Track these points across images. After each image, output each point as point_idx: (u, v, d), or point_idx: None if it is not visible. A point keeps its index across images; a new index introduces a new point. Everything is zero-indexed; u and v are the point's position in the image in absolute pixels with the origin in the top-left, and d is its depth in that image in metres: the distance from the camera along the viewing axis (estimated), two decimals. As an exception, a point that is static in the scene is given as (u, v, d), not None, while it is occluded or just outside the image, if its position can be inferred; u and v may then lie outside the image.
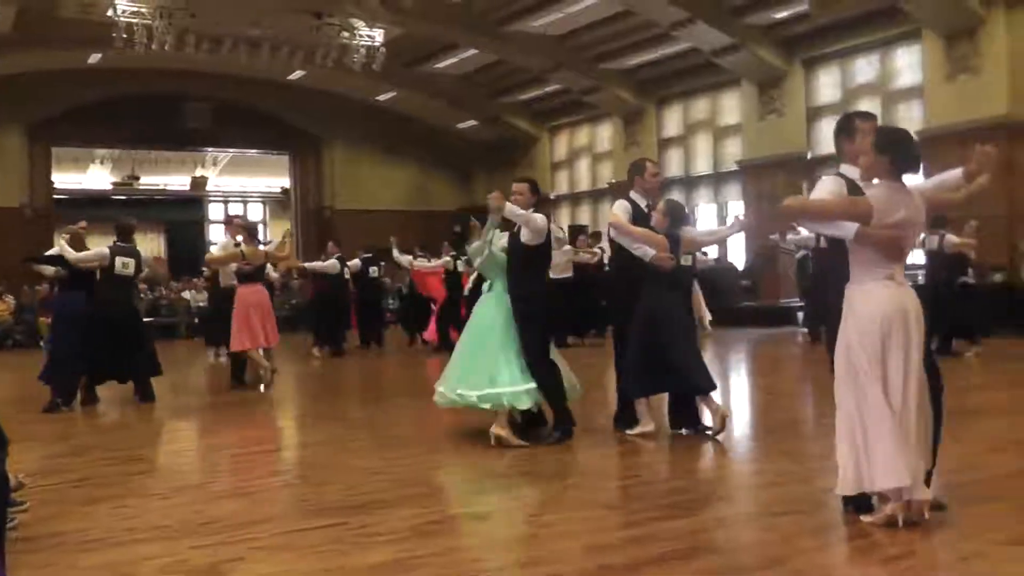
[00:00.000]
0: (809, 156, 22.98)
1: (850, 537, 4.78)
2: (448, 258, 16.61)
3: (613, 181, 28.72)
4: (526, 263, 7.67)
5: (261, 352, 12.03)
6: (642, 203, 7.89)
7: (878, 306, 4.71)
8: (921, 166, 5.11)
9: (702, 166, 26.45)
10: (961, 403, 8.73)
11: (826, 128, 22.79)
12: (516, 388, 7.29)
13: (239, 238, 12.28)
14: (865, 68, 22.20)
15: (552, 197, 31.34)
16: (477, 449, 7.29)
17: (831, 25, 21.57)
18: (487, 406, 7.33)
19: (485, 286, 7.97)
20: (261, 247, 12.53)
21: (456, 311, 15.48)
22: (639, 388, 7.70)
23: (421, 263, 17.54)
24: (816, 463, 6.66)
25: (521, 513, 5.31)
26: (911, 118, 20.71)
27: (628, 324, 7.74)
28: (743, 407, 9.72)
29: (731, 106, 25.52)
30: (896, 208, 4.72)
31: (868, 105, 21.91)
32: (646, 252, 7.47)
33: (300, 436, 8.95)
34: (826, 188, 4.99)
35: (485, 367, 7.37)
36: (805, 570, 4.28)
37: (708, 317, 20.62)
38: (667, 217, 7.63)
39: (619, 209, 7.79)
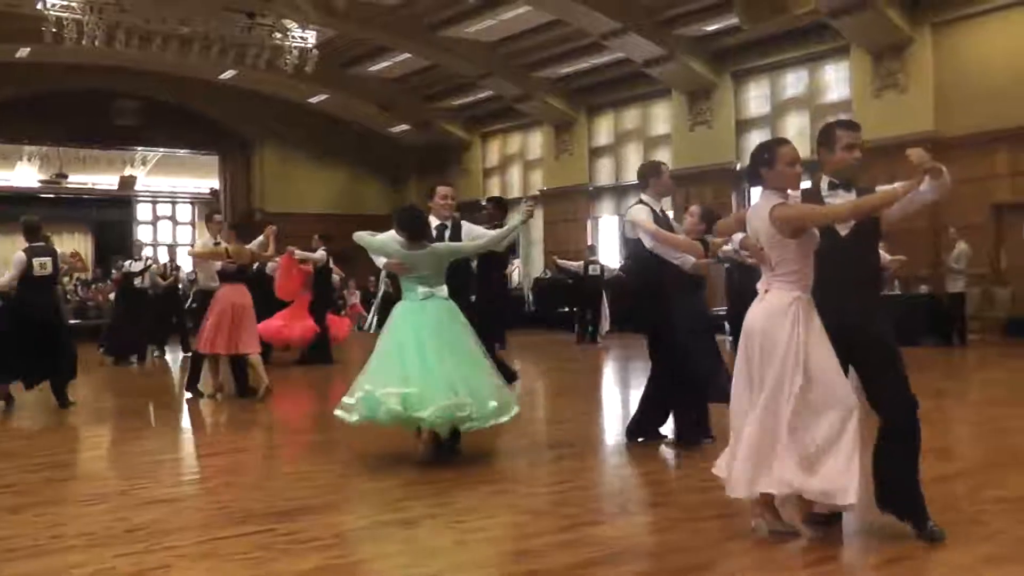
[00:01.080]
0: (738, 167, 23.24)
1: (776, 541, 4.84)
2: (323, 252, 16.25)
3: (544, 188, 28.85)
4: (492, 267, 7.94)
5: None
6: (656, 207, 7.58)
7: None
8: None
9: (632, 175, 26.53)
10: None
11: (755, 140, 23.09)
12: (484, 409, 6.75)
13: (218, 236, 11.54)
14: (794, 82, 22.56)
15: (483, 204, 31.34)
16: (406, 455, 7.25)
17: (761, 39, 21.89)
18: (441, 422, 6.68)
19: (421, 291, 7.01)
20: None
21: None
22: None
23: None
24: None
25: (449, 519, 5.29)
26: (837, 133, 21.00)
27: (663, 333, 7.43)
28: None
29: (661, 116, 25.76)
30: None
31: (796, 119, 22.35)
32: (686, 260, 7.22)
33: (228, 441, 8.83)
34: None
35: (444, 380, 6.66)
36: (733, 572, 4.32)
37: (606, 328, 20.93)
38: (703, 221, 7.51)
39: (645, 215, 7.35)
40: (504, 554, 4.61)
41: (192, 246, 11.32)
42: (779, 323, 4.68)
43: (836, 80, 21.66)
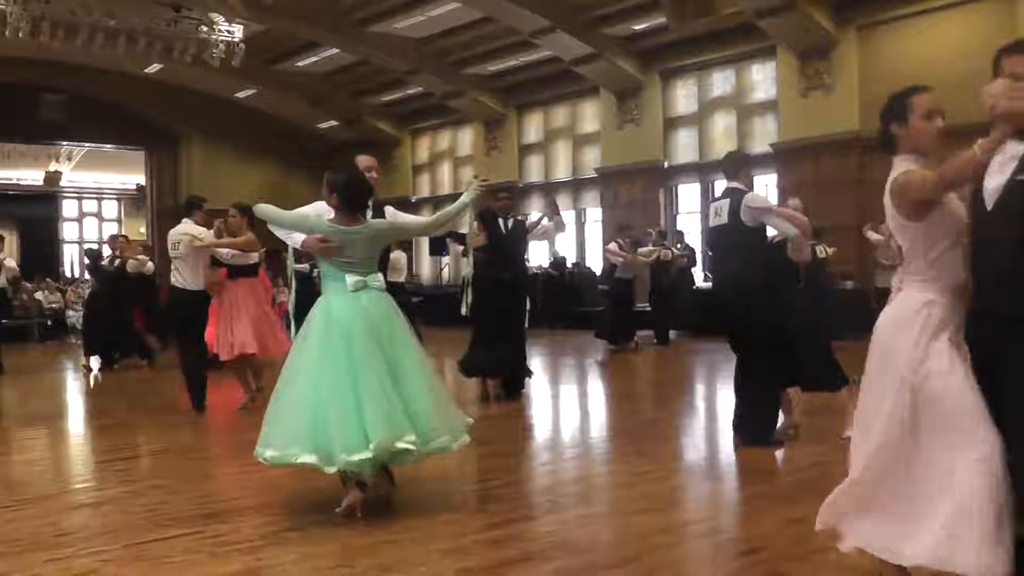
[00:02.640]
0: (666, 165, 23.52)
1: (704, 534, 4.94)
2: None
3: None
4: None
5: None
6: None
7: None
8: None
9: (561, 173, 26.76)
10: (825, 403, 9.06)
11: (682, 138, 23.43)
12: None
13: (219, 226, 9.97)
14: (721, 82, 22.82)
15: (413, 200, 31.33)
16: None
17: (688, 39, 22.10)
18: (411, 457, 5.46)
19: (351, 280, 5.59)
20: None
21: None
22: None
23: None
24: (671, 463, 6.88)
25: (379, 518, 5.30)
26: (765, 132, 21.41)
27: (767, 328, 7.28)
28: (599, 410, 9.89)
29: (590, 114, 25.91)
30: None
31: (723, 118, 22.61)
32: (789, 230, 7.23)
33: (155, 443, 8.73)
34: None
35: (384, 413, 5.28)
36: (660, 567, 4.40)
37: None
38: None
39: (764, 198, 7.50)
40: (433, 552, 4.64)
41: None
42: (903, 332, 3.70)
43: (763, 80, 21.96)
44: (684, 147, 23.52)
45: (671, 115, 23.72)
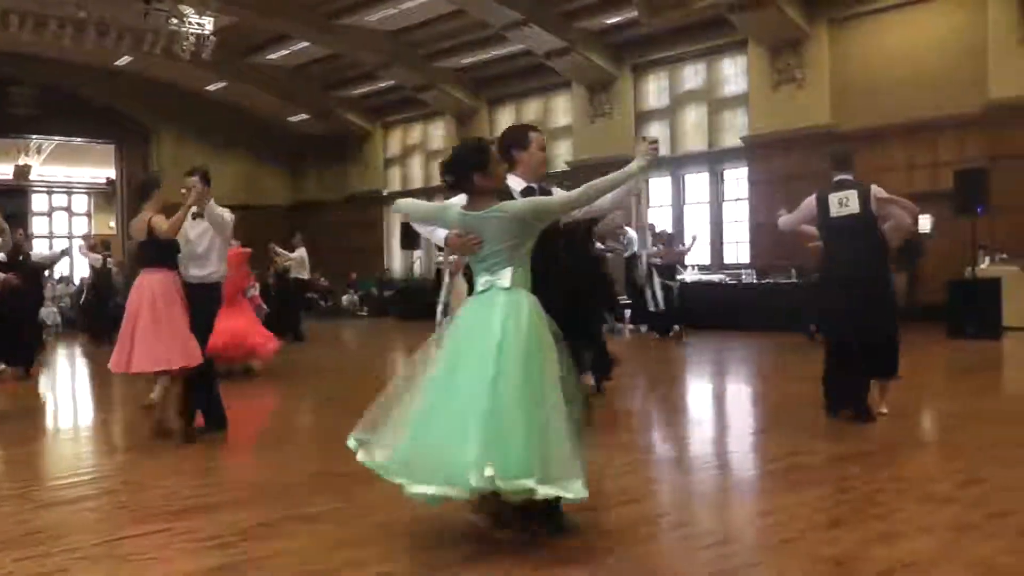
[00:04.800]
0: (638, 159, 23.52)
1: (676, 525, 5.00)
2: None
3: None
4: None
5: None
6: None
7: None
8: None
9: (534, 167, 26.78)
10: (783, 393, 9.18)
11: (654, 131, 23.48)
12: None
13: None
14: (692, 75, 22.94)
15: (384, 194, 31.29)
16: (306, 449, 7.27)
17: (660, 33, 22.20)
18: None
19: (482, 280, 4.78)
20: None
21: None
22: None
23: None
24: (642, 455, 6.95)
25: (351, 514, 5.32)
26: (736, 125, 21.54)
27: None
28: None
29: (562, 108, 25.98)
30: None
31: (694, 112, 22.71)
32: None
33: (126, 440, 8.70)
34: None
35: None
36: (633, 559, 4.44)
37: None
38: None
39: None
40: (403, 549, 4.66)
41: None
42: None
43: (734, 74, 22.10)
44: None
45: (643, 109, 23.84)
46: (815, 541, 4.67)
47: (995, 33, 17.86)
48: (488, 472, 4.21)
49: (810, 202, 8.12)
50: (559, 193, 5.21)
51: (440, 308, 6.95)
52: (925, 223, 16.45)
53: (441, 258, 21.15)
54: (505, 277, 4.65)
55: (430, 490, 4.35)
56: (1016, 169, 17.14)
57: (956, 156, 18.14)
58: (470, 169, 4.70)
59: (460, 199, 4.87)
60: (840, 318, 8.02)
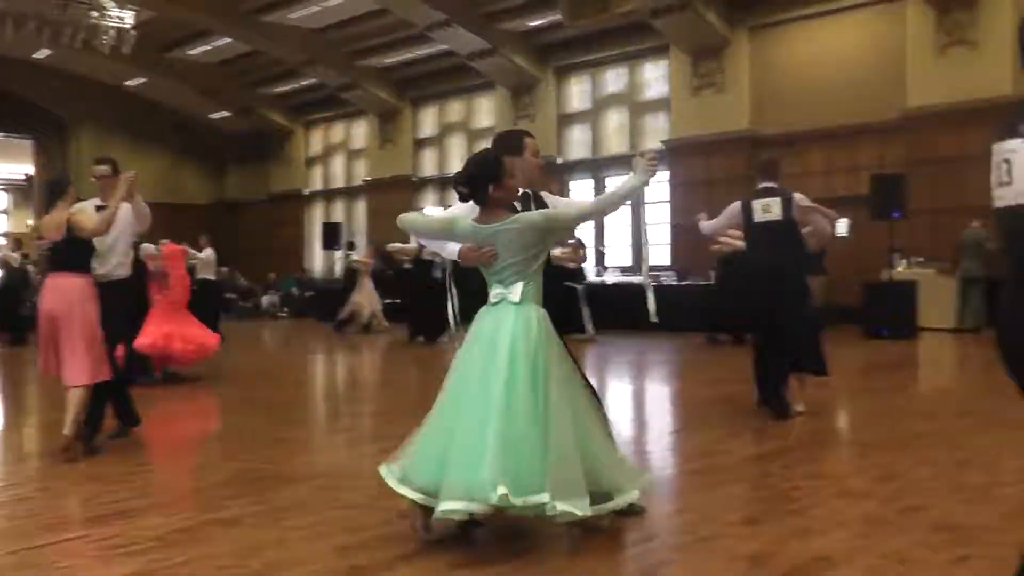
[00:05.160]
0: (559, 161, 23.71)
1: (594, 525, 5.04)
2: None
3: (368, 179, 28.72)
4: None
5: None
6: None
7: None
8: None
9: (456, 167, 26.73)
10: (700, 392, 9.30)
11: (577, 134, 23.64)
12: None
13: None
14: (615, 79, 23.12)
15: (306, 193, 31.07)
16: (224, 451, 7.19)
17: (583, 36, 22.36)
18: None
19: (494, 292, 4.80)
20: None
21: None
22: None
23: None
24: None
25: (270, 516, 5.27)
26: (657, 129, 21.75)
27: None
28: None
29: (486, 109, 26.03)
30: None
31: (616, 115, 22.88)
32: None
33: (39, 445, 8.52)
34: None
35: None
36: (551, 559, 4.46)
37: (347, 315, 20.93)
38: None
39: None
40: (326, 550, 4.64)
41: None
42: None
43: (656, 78, 22.33)
44: (578, 143, 23.76)
45: (565, 111, 23.97)
46: (732, 538, 4.75)
47: (913, 43, 18.32)
48: (501, 491, 4.26)
49: (735, 207, 8.32)
50: (572, 204, 5.33)
51: (452, 316, 6.86)
52: (842, 227, 16.79)
53: (356, 257, 20.99)
54: (516, 291, 4.68)
55: (458, 506, 4.37)
56: (932, 175, 17.63)
57: (874, 161, 18.57)
58: (485, 182, 4.72)
59: (464, 209, 4.90)
60: (760, 317, 8.27)
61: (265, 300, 29.72)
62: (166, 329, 11.19)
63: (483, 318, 4.78)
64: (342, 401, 11.10)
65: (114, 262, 7.63)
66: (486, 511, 4.43)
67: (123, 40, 22.04)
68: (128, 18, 22.06)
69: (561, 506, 4.37)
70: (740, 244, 8.80)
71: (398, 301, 19.82)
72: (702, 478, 6.08)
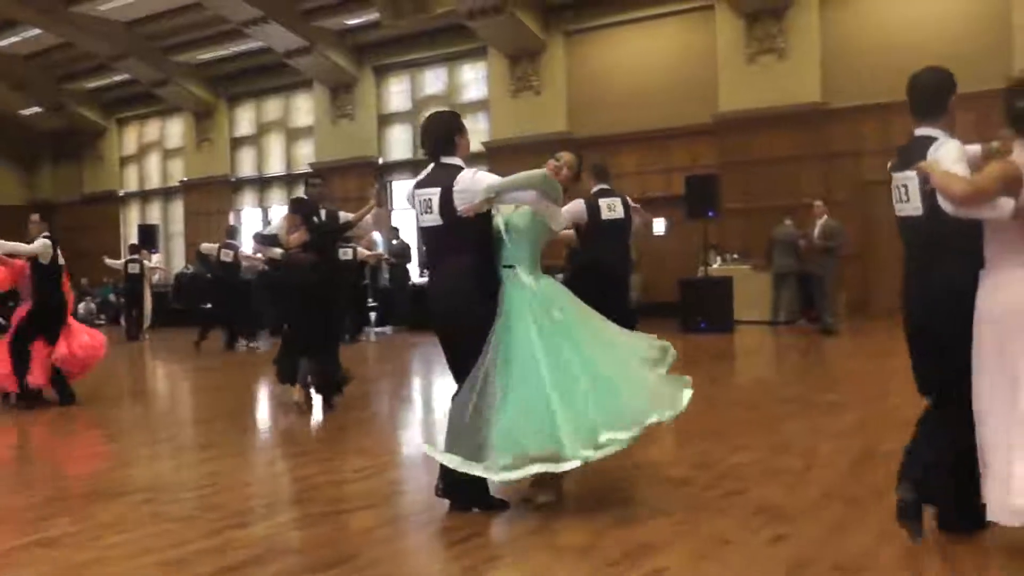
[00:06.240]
0: (380, 161, 23.64)
1: (423, 525, 5.04)
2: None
3: (185, 179, 27.98)
4: None
5: None
6: None
7: None
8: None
9: (275, 167, 26.37)
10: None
11: (397, 134, 23.61)
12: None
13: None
14: (433, 80, 23.19)
15: (121, 194, 30.06)
16: (39, 471, 6.90)
17: (402, 36, 22.35)
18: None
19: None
20: None
21: None
22: None
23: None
24: (387, 458, 6.94)
25: (91, 535, 5.07)
26: (477, 130, 21.88)
27: None
28: (315, 407, 9.78)
29: (304, 108, 25.72)
30: None
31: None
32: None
33: None
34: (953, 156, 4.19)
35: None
36: (380, 561, 4.46)
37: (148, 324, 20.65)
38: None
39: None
40: (149, 566, 4.50)
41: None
42: None
43: (474, 80, 22.49)
44: (398, 143, 23.73)
45: (385, 111, 23.92)
46: (559, 530, 4.85)
47: (724, 51, 19.05)
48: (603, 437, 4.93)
49: (579, 207, 8.45)
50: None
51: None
52: (659, 226, 17.29)
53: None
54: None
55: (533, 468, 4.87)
56: (744, 175, 18.42)
57: (688, 163, 19.18)
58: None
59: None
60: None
61: (82, 308, 28.52)
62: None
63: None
64: (162, 411, 10.75)
65: None
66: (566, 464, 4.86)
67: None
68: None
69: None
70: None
71: (209, 306, 19.12)
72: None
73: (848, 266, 17.03)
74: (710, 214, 16.73)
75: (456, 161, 5.33)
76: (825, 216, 15.67)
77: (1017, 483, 3.88)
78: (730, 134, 18.88)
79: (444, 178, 5.19)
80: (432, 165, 5.38)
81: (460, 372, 5.18)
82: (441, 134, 5.38)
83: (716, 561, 4.31)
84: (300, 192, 12.57)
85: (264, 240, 10.07)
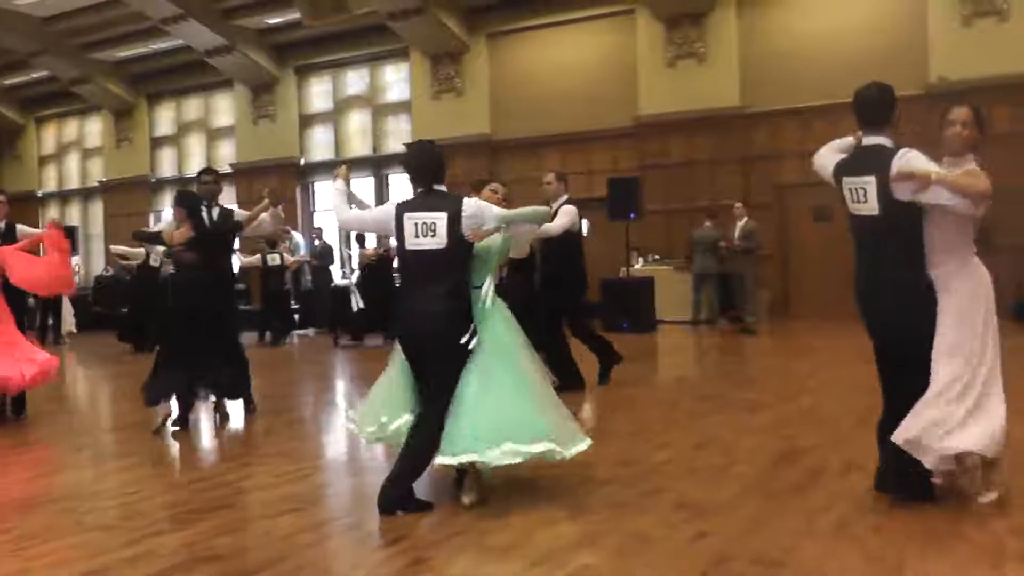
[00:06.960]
0: (303, 162, 23.50)
1: (348, 528, 5.05)
2: None
3: (104, 180, 27.52)
4: None
5: None
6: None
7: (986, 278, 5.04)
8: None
9: (196, 166, 26.01)
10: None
11: (318, 135, 23.46)
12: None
13: None
14: (356, 80, 23.10)
15: (39, 195, 29.45)
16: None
17: (323, 36, 22.25)
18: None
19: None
20: None
21: None
22: None
23: None
24: (311, 462, 6.92)
25: (8, 547, 4.99)
26: (399, 131, 21.88)
27: None
28: (237, 413, 9.70)
29: (224, 108, 25.45)
30: None
31: (358, 116, 22.85)
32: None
33: None
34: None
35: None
36: (305, 566, 4.47)
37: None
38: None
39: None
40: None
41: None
42: None
43: (396, 81, 22.47)
44: (320, 144, 23.60)
45: (307, 112, 23.78)
46: (485, 531, 4.90)
47: (644, 55, 19.30)
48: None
49: (575, 212, 9.67)
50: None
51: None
52: (585, 227, 17.42)
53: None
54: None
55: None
56: (665, 178, 18.68)
57: (610, 166, 19.37)
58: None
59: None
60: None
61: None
62: None
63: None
64: (81, 417, 10.57)
65: None
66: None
67: None
68: None
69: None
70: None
71: (125, 310, 18.78)
72: (444, 476, 6.04)
73: (768, 267, 17.35)
74: (631, 216, 16.91)
75: (444, 189, 5.76)
76: (745, 218, 15.98)
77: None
78: (651, 137, 19.12)
79: (448, 204, 5.54)
80: (421, 191, 5.74)
81: (441, 387, 5.34)
82: (434, 165, 5.79)
83: (639, 558, 4.39)
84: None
85: (146, 238, 9.62)
